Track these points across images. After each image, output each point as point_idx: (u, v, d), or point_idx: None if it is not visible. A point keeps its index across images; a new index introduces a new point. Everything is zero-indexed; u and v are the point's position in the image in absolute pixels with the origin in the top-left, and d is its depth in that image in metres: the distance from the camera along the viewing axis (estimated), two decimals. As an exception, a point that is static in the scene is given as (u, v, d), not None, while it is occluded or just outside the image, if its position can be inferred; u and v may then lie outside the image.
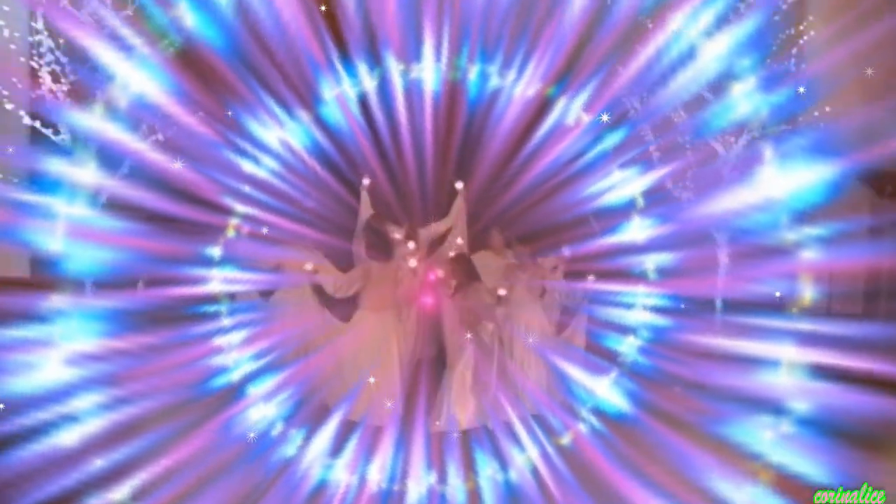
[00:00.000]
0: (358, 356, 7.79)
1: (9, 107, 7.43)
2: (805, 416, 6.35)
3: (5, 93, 7.43)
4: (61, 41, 7.45)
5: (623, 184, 7.61)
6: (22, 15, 7.71)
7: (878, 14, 7.43)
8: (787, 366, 6.47)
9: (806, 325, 6.48)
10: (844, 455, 6.09)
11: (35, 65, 7.52)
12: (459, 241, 8.45)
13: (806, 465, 6.17)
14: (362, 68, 7.52)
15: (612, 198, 7.68)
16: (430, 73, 7.59)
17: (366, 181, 8.41)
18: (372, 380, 7.61)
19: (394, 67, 7.51)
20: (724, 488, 6.26)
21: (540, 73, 7.58)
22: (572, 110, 7.62)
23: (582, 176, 7.94)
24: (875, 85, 7.98)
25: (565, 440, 7.33)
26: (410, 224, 8.40)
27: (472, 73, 7.62)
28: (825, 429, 6.29)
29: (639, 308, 7.58)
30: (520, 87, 7.65)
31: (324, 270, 7.99)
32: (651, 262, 7.51)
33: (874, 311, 8.60)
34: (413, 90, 7.81)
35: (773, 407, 6.46)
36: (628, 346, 7.56)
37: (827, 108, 7.87)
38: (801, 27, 8.02)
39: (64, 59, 7.45)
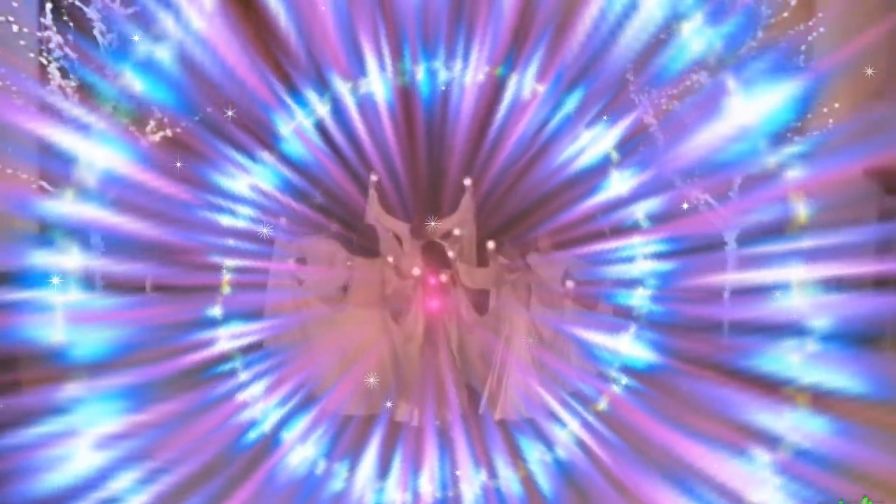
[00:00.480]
0: (346, 352, 7.90)
1: (18, 102, 7.41)
2: (827, 331, 6.33)
3: (14, 88, 7.42)
4: (70, 38, 7.48)
5: (594, 142, 7.51)
6: (31, 10, 7.68)
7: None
8: (798, 286, 6.49)
9: (809, 242, 6.51)
10: (874, 361, 6.14)
11: (44, 60, 7.52)
12: (457, 231, 8.42)
13: (839, 379, 6.22)
14: (312, 96, 7.45)
15: (587, 158, 7.60)
16: (378, 84, 7.51)
17: (374, 177, 8.44)
18: (372, 380, 7.71)
19: (342, 88, 7.43)
20: (764, 420, 6.34)
21: (484, 56, 7.51)
22: (526, 84, 7.52)
23: (552, 145, 7.94)
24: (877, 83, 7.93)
25: (602, 405, 7.37)
26: (417, 221, 8.47)
27: (420, 73, 7.55)
28: (849, 340, 6.32)
29: (640, 259, 7.53)
30: (469, 74, 7.58)
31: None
32: (640, 210, 7.43)
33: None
34: (367, 105, 7.77)
35: (795, 330, 6.45)
36: (639, 298, 7.53)
37: (836, 105, 7.82)
38: (811, 23, 7.94)
39: (73, 56, 7.48)
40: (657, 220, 7.50)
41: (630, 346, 7.48)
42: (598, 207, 7.70)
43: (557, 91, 7.56)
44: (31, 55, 7.58)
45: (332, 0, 7.26)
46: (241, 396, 7.21)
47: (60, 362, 6.52)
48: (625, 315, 7.72)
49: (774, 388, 6.47)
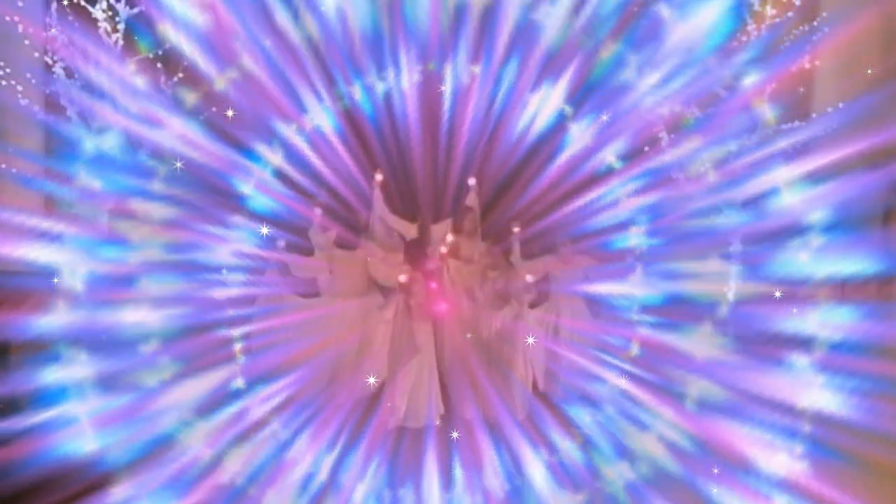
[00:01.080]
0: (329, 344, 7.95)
1: (23, 102, 7.40)
2: (827, 222, 6.38)
3: (20, 88, 7.41)
4: (75, 37, 7.34)
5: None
6: (36, 10, 7.58)
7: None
8: (787, 186, 6.51)
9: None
10: (882, 238, 6.18)
11: (49, 60, 7.45)
12: (449, 237, 8.36)
13: (851, 265, 6.28)
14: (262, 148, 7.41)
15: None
16: (321, 115, 7.42)
17: (378, 177, 8.35)
18: (372, 380, 7.71)
19: (287, 131, 7.35)
20: (792, 325, 6.43)
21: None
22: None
23: (504, 120, 7.89)
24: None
25: (634, 350, 7.34)
26: (422, 221, 8.47)
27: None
28: (852, 224, 6.39)
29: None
30: (404, 77, 7.50)
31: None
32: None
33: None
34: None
35: (796, 230, 6.49)
36: (635, 237, 7.38)
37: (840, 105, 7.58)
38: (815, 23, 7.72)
39: (78, 56, 7.36)
40: (630, 157, 7.44)
41: (642, 285, 7.46)
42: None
43: (493, 67, 7.49)
44: (36, 55, 7.52)
45: (256, 52, 7.11)
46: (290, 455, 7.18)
47: (99, 470, 6.55)
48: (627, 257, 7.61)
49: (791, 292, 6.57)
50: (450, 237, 8.32)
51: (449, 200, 8.57)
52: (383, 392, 7.94)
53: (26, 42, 7.40)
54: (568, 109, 7.48)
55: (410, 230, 8.49)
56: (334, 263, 8.19)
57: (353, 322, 8.13)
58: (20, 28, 7.34)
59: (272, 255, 7.96)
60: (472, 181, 8.45)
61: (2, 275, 6.93)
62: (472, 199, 8.51)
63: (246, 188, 7.37)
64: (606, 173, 7.48)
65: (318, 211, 8.13)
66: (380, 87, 7.57)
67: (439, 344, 8.25)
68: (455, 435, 7.34)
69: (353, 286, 8.20)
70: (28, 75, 7.49)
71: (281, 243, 7.86)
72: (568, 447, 6.93)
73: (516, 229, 8.26)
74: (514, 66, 7.46)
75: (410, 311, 8.13)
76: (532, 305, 8.37)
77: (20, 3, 7.36)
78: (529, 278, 8.15)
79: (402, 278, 7.90)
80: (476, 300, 8.32)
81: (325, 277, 8.21)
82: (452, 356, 8.20)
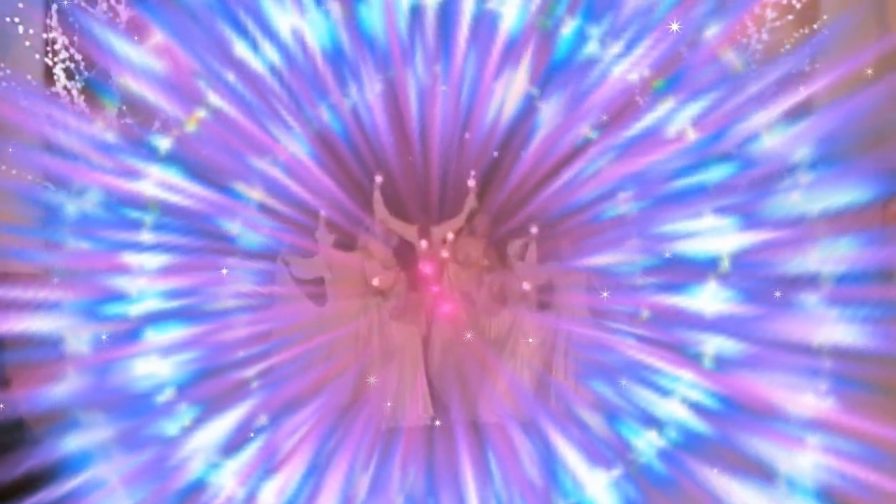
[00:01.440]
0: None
1: (24, 104, 7.37)
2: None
3: (20, 89, 7.45)
4: (75, 38, 7.50)
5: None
6: (37, 12, 7.69)
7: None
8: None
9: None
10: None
11: (49, 62, 7.55)
12: (450, 235, 8.40)
13: (841, 196, 6.28)
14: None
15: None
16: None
17: (378, 178, 8.33)
18: (371, 380, 7.76)
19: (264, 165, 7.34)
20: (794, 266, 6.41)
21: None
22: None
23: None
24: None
25: (645, 315, 7.24)
26: (423, 222, 8.48)
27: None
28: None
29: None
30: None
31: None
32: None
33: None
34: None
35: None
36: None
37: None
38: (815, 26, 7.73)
39: (78, 57, 7.52)
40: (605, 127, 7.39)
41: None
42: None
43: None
44: (37, 56, 7.63)
45: (220, 88, 7.11)
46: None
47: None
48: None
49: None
50: (450, 235, 8.32)
51: (435, 202, 8.57)
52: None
53: (27, 44, 7.55)
54: (535, 91, 7.47)
55: (411, 232, 8.49)
56: (333, 264, 8.24)
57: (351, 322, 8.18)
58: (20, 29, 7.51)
59: (272, 289, 8.01)
60: (471, 182, 8.41)
61: (7, 351, 6.97)
62: (471, 200, 8.49)
63: (234, 227, 7.40)
64: (584, 146, 7.46)
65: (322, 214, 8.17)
66: (346, 104, 7.58)
67: (434, 345, 8.31)
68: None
69: (353, 287, 8.24)
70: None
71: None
72: (595, 423, 6.90)
73: (534, 230, 8.20)
74: (473, 59, 7.47)
75: (386, 313, 8.20)
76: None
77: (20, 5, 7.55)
78: (527, 286, 8.09)
79: (376, 282, 7.90)
80: (474, 302, 8.35)
81: (329, 277, 8.29)
82: (446, 357, 8.28)
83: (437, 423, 7.84)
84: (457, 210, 8.56)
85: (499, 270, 8.38)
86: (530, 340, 8.09)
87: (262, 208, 7.60)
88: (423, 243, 8.27)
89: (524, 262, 8.32)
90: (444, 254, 8.23)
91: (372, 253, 8.29)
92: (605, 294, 7.59)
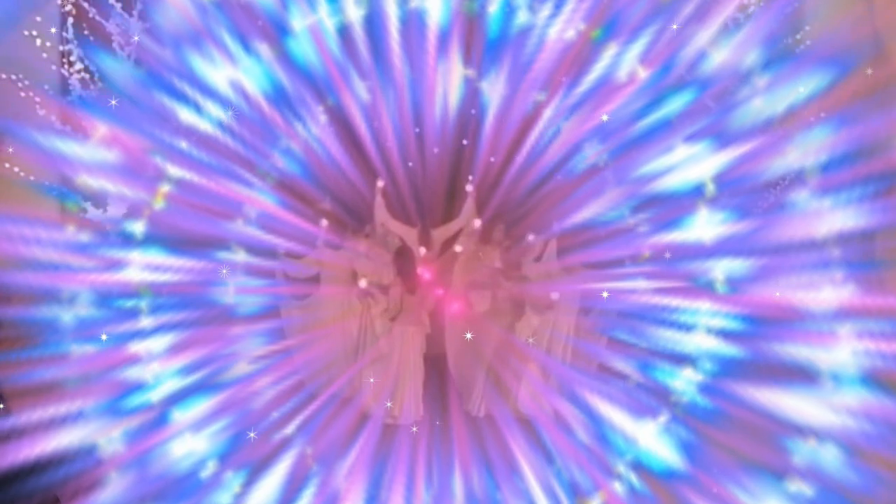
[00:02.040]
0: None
1: (41, 112, 7.53)
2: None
3: (37, 100, 7.53)
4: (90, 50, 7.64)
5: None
6: (53, 24, 7.78)
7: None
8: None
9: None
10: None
11: (65, 73, 7.69)
12: (458, 248, 8.33)
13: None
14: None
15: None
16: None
17: (380, 183, 8.33)
18: (371, 380, 7.89)
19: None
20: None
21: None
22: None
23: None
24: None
25: (646, 254, 7.20)
26: (423, 225, 8.51)
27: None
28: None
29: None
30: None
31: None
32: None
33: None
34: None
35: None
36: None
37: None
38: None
39: (93, 68, 7.65)
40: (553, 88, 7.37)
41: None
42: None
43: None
44: (53, 67, 7.73)
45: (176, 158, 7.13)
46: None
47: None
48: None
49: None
50: (477, 222, 8.13)
51: (413, 207, 8.58)
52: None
53: (44, 55, 7.63)
54: (471, 72, 7.48)
55: (411, 235, 8.50)
56: (324, 262, 8.33)
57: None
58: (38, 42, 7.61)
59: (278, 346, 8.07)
60: (469, 187, 8.34)
61: (49, 472, 6.95)
62: (469, 205, 8.44)
63: (227, 297, 7.42)
64: (537, 108, 7.44)
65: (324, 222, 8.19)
66: (295, 145, 7.60)
67: (452, 344, 8.34)
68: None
69: (343, 284, 8.35)
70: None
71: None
72: (630, 374, 6.87)
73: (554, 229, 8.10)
74: (406, 62, 7.46)
75: (373, 314, 8.24)
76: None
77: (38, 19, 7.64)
78: (555, 296, 7.92)
79: (363, 283, 7.92)
80: (478, 304, 8.36)
81: (324, 274, 8.42)
82: (467, 356, 8.29)
83: (437, 423, 7.82)
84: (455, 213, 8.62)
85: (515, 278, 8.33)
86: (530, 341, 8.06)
87: (249, 270, 7.66)
88: (423, 250, 8.26)
89: (541, 260, 8.29)
90: (458, 248, 8.17)
91: (366, 256, 8.36)
92: (604, 294, 7.40)
